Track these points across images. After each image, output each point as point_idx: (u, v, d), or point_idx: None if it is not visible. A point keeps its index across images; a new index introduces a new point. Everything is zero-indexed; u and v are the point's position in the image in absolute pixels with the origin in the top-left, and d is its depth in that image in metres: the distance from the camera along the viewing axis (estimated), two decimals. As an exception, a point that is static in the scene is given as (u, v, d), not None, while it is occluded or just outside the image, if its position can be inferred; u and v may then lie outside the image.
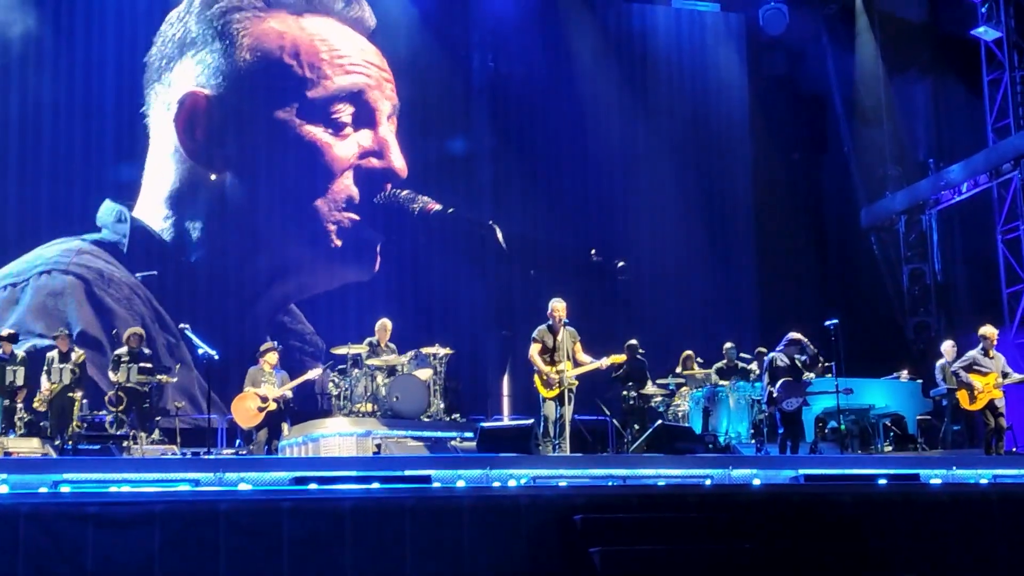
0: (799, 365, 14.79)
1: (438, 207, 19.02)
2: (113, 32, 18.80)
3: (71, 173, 18.24)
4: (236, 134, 18.54)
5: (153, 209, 18.15)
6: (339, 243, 18.60)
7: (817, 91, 24.05)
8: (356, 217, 18.69)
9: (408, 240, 19.16)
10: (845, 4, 23.19)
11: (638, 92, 22.50)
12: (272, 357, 15.24)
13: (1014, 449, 16.23)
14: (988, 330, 15.07)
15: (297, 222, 18.58)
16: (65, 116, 18.40)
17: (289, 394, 15.06)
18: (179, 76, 18.43)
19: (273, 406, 14.78)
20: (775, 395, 14.51)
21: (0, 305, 17.56)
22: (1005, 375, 14.82)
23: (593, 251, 19.28)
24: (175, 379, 15.93)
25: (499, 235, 18.32)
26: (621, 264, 18.76)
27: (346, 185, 18.69)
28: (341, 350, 15.97)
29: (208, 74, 18.48)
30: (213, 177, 18.24)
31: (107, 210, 18.03)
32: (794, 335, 14.91)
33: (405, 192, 19.08)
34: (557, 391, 13.21)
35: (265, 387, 14.85)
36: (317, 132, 18.66)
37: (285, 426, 15.13)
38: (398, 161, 19.01)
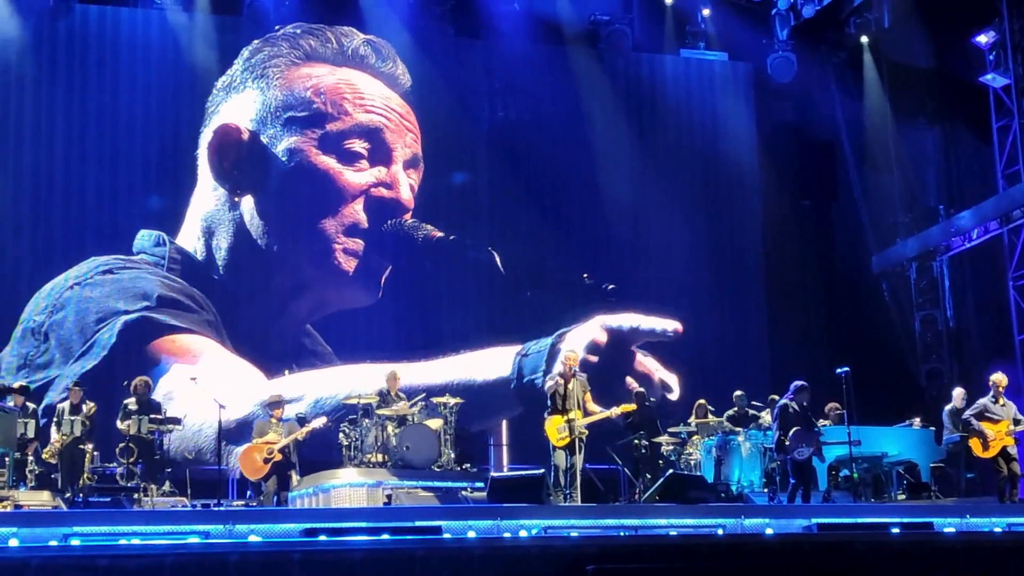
0: (809, 413, 14.76)
1: (440, 234, 19.94)
2: (157, 74, 20.10)
3: (110, 205, 19.52)
4: (257, 161, 19.75)
5: (191, 234, 19.53)
6: (345, 264, 19.62)
7: (826, 138, 24.12)
8: (362, 242, 19.74)
9: (413, 264, 20.06)
10: (853, 52, 23.29)
11: (647, 140, 22.58)
12: (277, 410, 15.31)
13: (1028, 497, 16.13)
14: (998, 377, 15.03)
15: (307, 241, 19.74)
16: (108, 156, 19.69)
17: (301, 437, 15.01)
18: (221, 117, 19.95)
19: (279, 456, 14.75)
20: (787, 443, 14.47)
21: (75, 301, 18.60)
22: (1017, 422, 14.76)
23: (585, 275, 19.66)
24: (182, 428, 15.97)
25: (498, 260, 18.63)
26: (611, 287, 19.11)
27: (355, 211, 19.76)
28: (352, 400, 15.96)
29: (243, 110, 19.90)
30: (236, 199, 19.51)
31: (144, 237, 19.27)
32: (802, 382, 14.92)
33: (410, 221, 20.02)
34: (568, 440, 13.18)
35: (271, 436, 14.87)
36: (329, 161, 19.83)
37: (294, 476, 15.11)
38: (405, 194, 20.08)
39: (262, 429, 15.05)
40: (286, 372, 18.51)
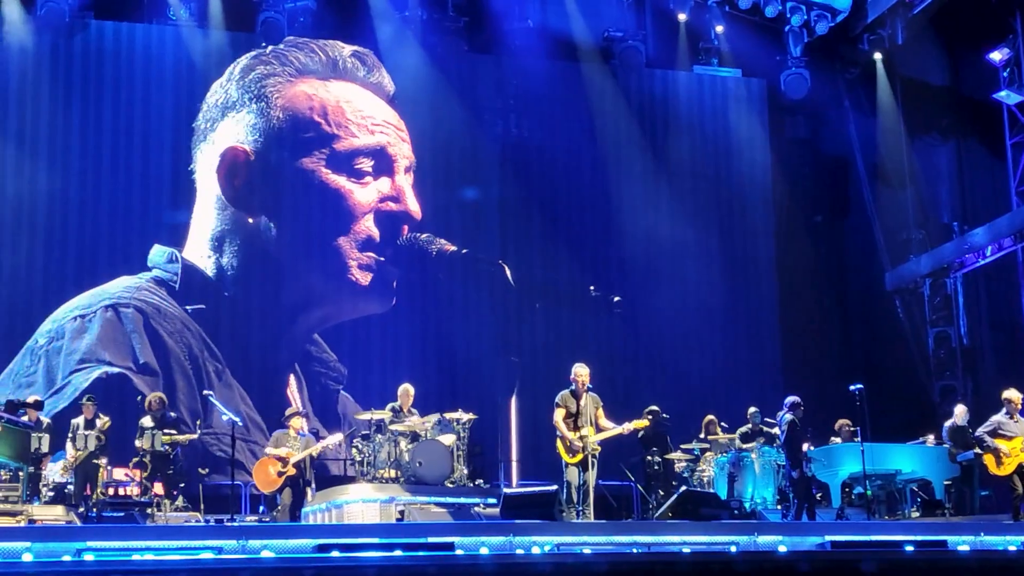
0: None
1: (453, 248, 20.24)
2: (172, 91, 20.28)
3: (125, 220, 19.72)
4: (269, 182, 20.00)
5: (199, 251, 19.71)
6: (361, 278, 19.93)
7: (839, 154, 24.11)
8: (375, 255, 20.05)
9: (427, 277, 20.37)
10: (866, 68, 23.28)
11: (660, 155, 22.59)
12: (297, 422, 15.32)
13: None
14: (1012, 394, 14.99)
15: (322, 258, 20.01)
16: (123, 171, 19.88)
17: (315, 453, 15.03)
18: (221, 135, 20.02)
19: (292, 471, 14.75)
20: (802, 459, 14.57)
21: (70, 335, 18.74)
22: (1032, 438, 14.72)
23: (592, 287, 19.92)
24: (197, 436, 16.00)
25: (508, 273, 18.96)
26: (617, 299, 19.29)
27: (367, 226, 20.08)
28: (364, 416, 15.99)
29: (246, 131, 20.02)
30: (250, 220, 19.75)
31: (158, 252, 19.45)
32: (796, 398, 15.06)
33: (424, 235, 20.30)
34: (580, 457, 13.18)
35: (285, 449, 14.85)
36: (341, 180, 20.11)
37: (309, 492, 15.11)
38: (413, 205, 20.39)
39: (278, 440, 15.05)
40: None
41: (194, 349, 19.04)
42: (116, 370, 18.43)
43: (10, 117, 19.55)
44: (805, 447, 15.70)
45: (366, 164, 20.19)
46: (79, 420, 15.34)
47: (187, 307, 19.24)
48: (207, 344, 19.20)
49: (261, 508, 16.34)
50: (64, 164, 19.59)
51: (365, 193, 20.18)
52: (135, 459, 15.18)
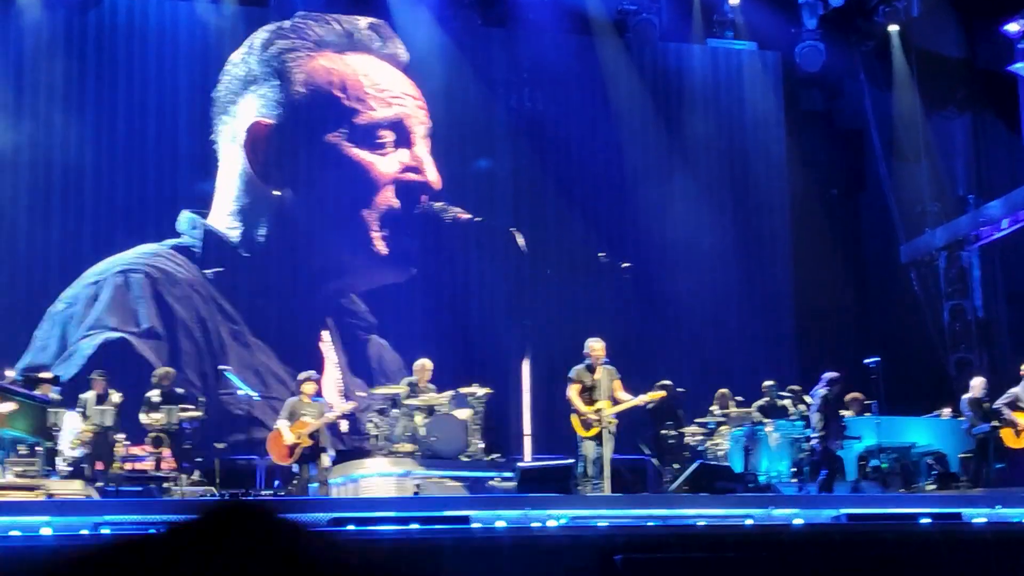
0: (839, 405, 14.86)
1: (467, 216, 20.48)
2: (186, 65, 20.54)
3: (141, 191, 19.99)
4: (293, 155, 20.42)
5: (223, 219, 20.07)
6: (381, 248, 20.33)
7: (854, 127, 24.02)
8: (397, 226, 20.43)
9: (441, 245, 20.68)
10: (881, 41, 23.15)
11: (674, 129, 22.54)
12: (309, 387, 15.07)
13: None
14: (1030, 366, 14.98)
15: (347, 229, 20.37)
16: (139, 143, 20.09)
17: (330, 421, 14.88)
18: (243, 108, 20.33)
19: (307, 442, 14.52)
20: (831, 434, 14.60)
21: (84, 301, 19.02)
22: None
23: (601, 254, 19.89)
24: (202, 413, 15.97)
25: (519, 240, 19.15)
26: (626, 264, 19.52)
27: (388, 197, 20.43)
28: (380, 390, 16.01)
29: (269, 106, 20.35)
30: (276, 193, 20.15)
31: (184, 219, 19.81)
32: (836, 374, 15.00)
33: (439, 204, 20.55)
34: (595, 431, 13.20)
35: (300, 421, 14.62)
36: (363, 153, 20.46)
37: (325, 458, 14.99)
38: (432, 175, 20.71)
39: (293, 408, 14.76)
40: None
41: (203, 313, 19.28)
42: (118, 335, 18.67)
43: (25, 92, 19.63)
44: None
45: (386, 136, 20.49)
46: (90, 395, 15.35)
47: (206, 271, 19.57)
48: (221, 308, 19.46)
49: (276, 483, 16.39)
50: (80, 137, 19.69)
51: (386, 164, 20.53)
52: (150, 435, 15.23)
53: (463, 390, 15.92)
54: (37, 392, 14.91)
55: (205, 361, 18.96)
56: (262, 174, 20.15)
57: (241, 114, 20.29)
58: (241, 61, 20.44)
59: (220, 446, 16.14)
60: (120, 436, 15.15)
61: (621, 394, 13.52)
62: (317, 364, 19.07)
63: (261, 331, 19.61)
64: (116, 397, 15.34)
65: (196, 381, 18.45)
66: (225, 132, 20.27)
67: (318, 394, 15.93)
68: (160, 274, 19.30)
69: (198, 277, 19.51)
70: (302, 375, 15.37)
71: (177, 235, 19.74)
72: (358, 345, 20.18)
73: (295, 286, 20.18)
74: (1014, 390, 14.94)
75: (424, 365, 15.95)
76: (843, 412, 16.23)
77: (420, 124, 20.81)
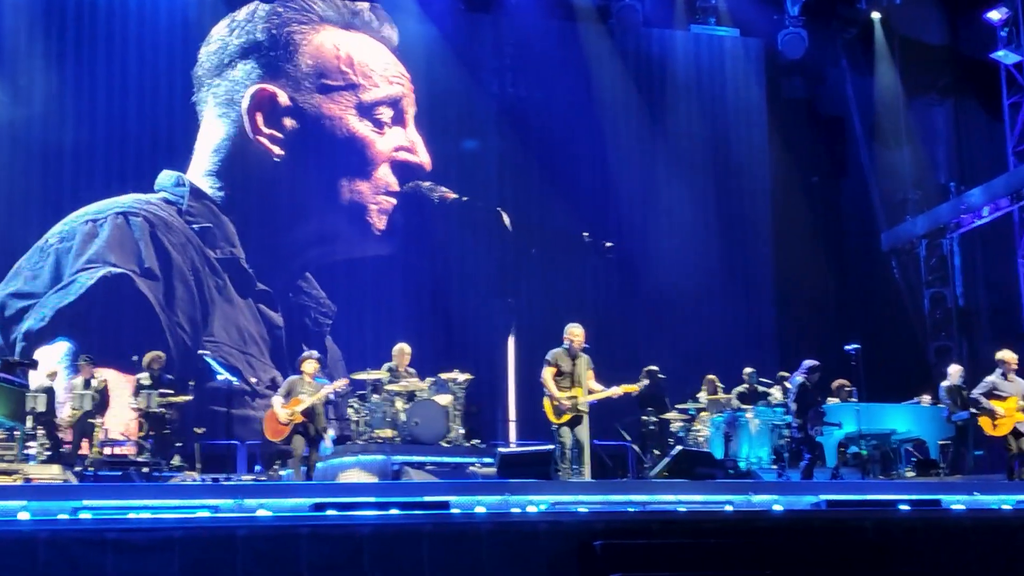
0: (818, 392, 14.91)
1: (454, 196, 20.85)
2: (153, 30, 20.63)
3: (121, 146, 20.14)
4: (297, 123, 20.61)
5: (204, 180, 20.27)
6: (377, 222, 20.69)
7: (836, 114, 24.07)
8: (394, 201, 20.79)
9: (428, 223, 20.92)
10: (864, 28, 23.17)
11: (657, 115, 22.55)
12: (309, 366, 14.60)
13: (1037, 474, 16.10)
14: (1007, 355, 15.01)
15: (345, 200, 20.70)
16: (135, 93, 20.32)
17: (323, 398, 14.56)
18: (241, 74, 20.61)
19: (300, 419, 14.26)
20: (808, 421, 14.62)
21: (81, 237, 19.32)
22: (1027, 398, 14.77)
23: (585, 234, 20.56)
24: (191, 397, 15.94)
25: (505, 219, 19.86)
26: (609, 245, 19.63)
27: (385, 173, 20.82)
28: (361, 375, 15.96)
29: (273, 74, 20.67)
30: (275, 159, 20.36)
31: (166, 176, 19.99)
32: (815, 362, 15.03)
33: (427, 183, 20.92)
34: (568, 417, 13.12)
35: (295, 399, 14.31)
36: (365, 128, 20.83)
37: (328, 438, 14.78)
38: (424, 156, 21.08)
39: (291, 386, 14.22)
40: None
41: (196, 263, 19.63)
42: (119, 270, 19.02)
43: (4, 60, 19.62)
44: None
45: (385, 114, 20.87)
46: (77, 380, 15.35)
47: (193, 226, 19.81)
48: (208, 260, 19.77)
49: (257, 468, 16.36)
50: (60, 107, 19.70)
51: (384, 142, 20.88)
52: (130, 419, 15.20)
53: (444, 375, 15.89)
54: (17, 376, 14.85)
55: (196, 308, 19.30)
56: (261, 138, 20.40)
57: (239, 79, 20.55)
58: (240, 28, 20.72)
59: (199, 431, 16.11)
60: (99, 420, 15.09)
61: (593, 384, 13.38)
62: (289, 333, 19.45)
63: (241, 290, 19.87)
64: (98, 382, 15.29)
65: (186, 327, 18.96)
66: (217, 95, 20.45)
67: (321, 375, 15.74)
68: (157, 220, 19.65)
69: (189, 229, 19.84)
70: (304, 354, 15.01)
71: (154, 191, 19.93)
72: (316, 328, 20.20)
73: (278, 249, 20.36)
74: (990, 378, 14.96)
75: (403, 349, 15.87)
76: (829, 399, 16.28)
77: (411, 106, 21.19)
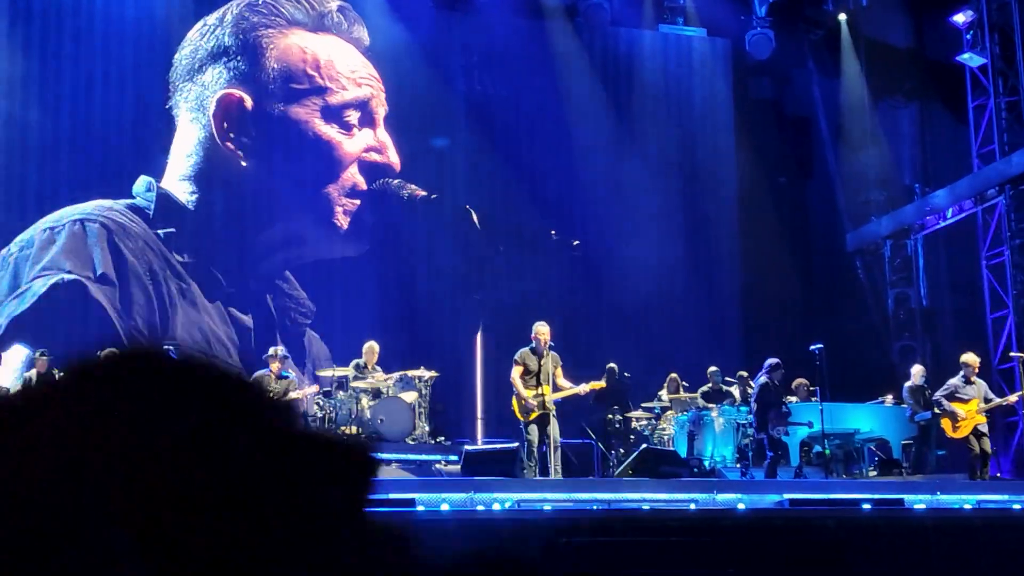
0: (781, 391, 14.94)
1: (423, 193, 20.87)
2: (136, 32, 20.51)
3: (95, 155, 19.91)
4: (263, 128, 20.54)
5: (178, 184, 20.22)
6: (343, 223, 20.67)
7: (803, 115, 24.17)
8: (359, 202, 20.78)
9: (398, 221, 20.88)
10: (831, 29, 23.29)
11: (624, 115, 22.58)
12: (274, 365, 14.88)
13: (998, 475, 16.25)
14: (970, 358, 15.16)
15: (311, 203, 20.68)
16: (83, 108, 20.06)
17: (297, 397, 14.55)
18: (211, 79, 20.54)
19: None
20: (768, 421, 14.65)
21: (39, 244, 19.25)
22: (987, 400, 14.90)
23: (553, 232, 20.44)
24: None
25: (475, 217, 19.83)
26: (576, 243, 19.73)
27: (352, 174, 20.80)
28: (327, 372, 15.93)
29: (241, 78, 20.57)
30: (243, 164, 20.31)
31: (140, 182, 20.01)
32: (776, 360, 15.10)
33: (396, 181, 20.91)
34: (536, 415, 13.18)
35: None
36: (331, 131, 20.81)
37: None
38: (394, 157, 21.07)
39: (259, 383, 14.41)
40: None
41: (155, 267, 19.55)
42: (72, 277, 18.93)
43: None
44: (791, 400, 15.87)
45: (353, 116, 20.83)
46: (31, 374, 15.21)
47: (159, 231, 19.75)
48: (171, 264, 19.71)
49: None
50: (25, 112, 19.53)
51: (352, 144, 20.85)
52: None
53: (410, 373, 15.89)
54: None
55: (155, 313, 19.20)
56: (228, 143, 20.34)
57: (209, 84, 20.48)
58: (211, 32, 20.63)
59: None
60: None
61: (562, 381, 13.50)
62: (260, 334, 19.43)
63: (208, 293, 19.79)
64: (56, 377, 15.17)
65: (144, 331, 18.80)
66: (188, 100, 20.43)
67: (287, 369, 15.72)
68: (116, 226, 19.55)
69: (151, 234, 19.76)
70: (271, 350, 15.10)
71: (132, 198, 19.87)
72: (295, 328, 20.23)
73: (247, 255, 20.31)
74: (952, 381, 15.10)
75: (372, 347, 15.90)
76: (789, 398, 16.35)
77: (381, 107, 21.16)
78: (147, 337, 18.54)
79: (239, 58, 20.60)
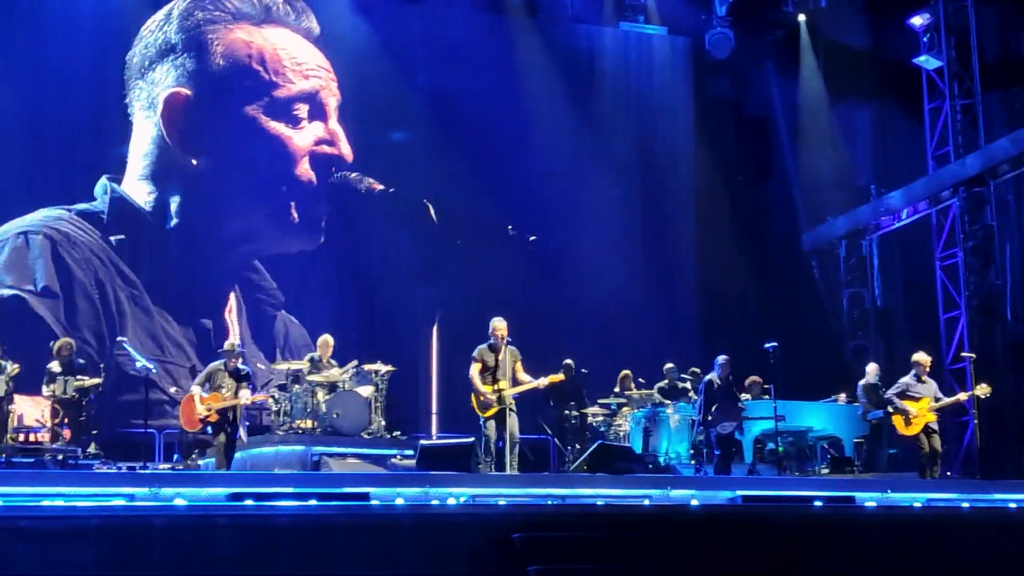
0: (734, 387, 14.99)
1: (380, 187, 20.77)
2: (92, 29, 20.16)
3: (49, 154, 19.59)
4: (212, 126, 20.34)
5: (137, 185, 20.05)
6: (296, 216, 20.48)
7: (761, 115, 24.27)
8: (312, 196, 20.60)
9: (354, 214, 20.79)
10: (790, 30, 23.42)
11: (584, 111, 22.59)
12: (233, 361, 14.59)
13: (948, 473, 16.39)
14: (922, 357, 15.32)
15: (262, 198, 20.48)
16: (72, 101, 19.72)
17: (244, 403, 14.40)
18: (160, 77, 20.34)
19: (215, 417, 14.15)
20: (711, 418, 14.73)
21: None
22: (938, 399, 15.05)
23: (510, 227, 20.61)
24: (102, 379, 15.64)
25: (431, 211, 19.93)
26: (532, 238, 19.76)
27: (305, 169, 20.63)
28: (281, 366, 15.86)
29: (187, 76, 20.36)
30: (194, 162, 20.13)
31: (100, 185, 19.81)
32: (724, 356, 15.18)
33: (354, 174, 20.83)
34: (494, 410, 13.21)
35: (215, 394, 14.13)
36: (280, 126, 20.59)
37: (243, 432, 14.69)
38: (345, 148, 20.94)
39: (211, 374, 14.10)
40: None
41: (101, 276, 19.28)
42: (12, 292, 18.69)
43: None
44: (745, 398, 15.96)
45: (302, 110, 20.66)
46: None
47: (110, 237, 19.47)
48: (121, 272, 19.44)
49: (175, 456, 16.18)
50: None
51: (302, 137, 20.68)
52: (44, 407, 14.95)
53: (366, 367, 15.84)
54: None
55: (102, 323, 18.97)
56: (178, 143, 20.12)
57: (158, 82, 20.26)
58: (159, 29, 20.38)
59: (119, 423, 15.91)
60: (12, 407, 14.84)
61: (522, 375, 13.55)
62: (220, 332, 19.24)
63: (163, 297, 19.57)
64: (12, 368, 15.02)
65: (92, 341, 18.56)
66: (140, 98, 20.22)
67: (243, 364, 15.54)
68: (60, 236, 19.26)
69: (99, 242, 19.45)
70: (226, 344, 14.80)
71: (93, 200, 19.65)
72: (265, 320, 20.18)
73: (204, 253, 20.10)
74: (904, 379, 15.25)
75: (327, 341, 15.83)
76: (742, 395, 16.43)
77: (332, 97, 20.98)
78: (95, 348, 18.30)
79: (185, 55, 20.39)
